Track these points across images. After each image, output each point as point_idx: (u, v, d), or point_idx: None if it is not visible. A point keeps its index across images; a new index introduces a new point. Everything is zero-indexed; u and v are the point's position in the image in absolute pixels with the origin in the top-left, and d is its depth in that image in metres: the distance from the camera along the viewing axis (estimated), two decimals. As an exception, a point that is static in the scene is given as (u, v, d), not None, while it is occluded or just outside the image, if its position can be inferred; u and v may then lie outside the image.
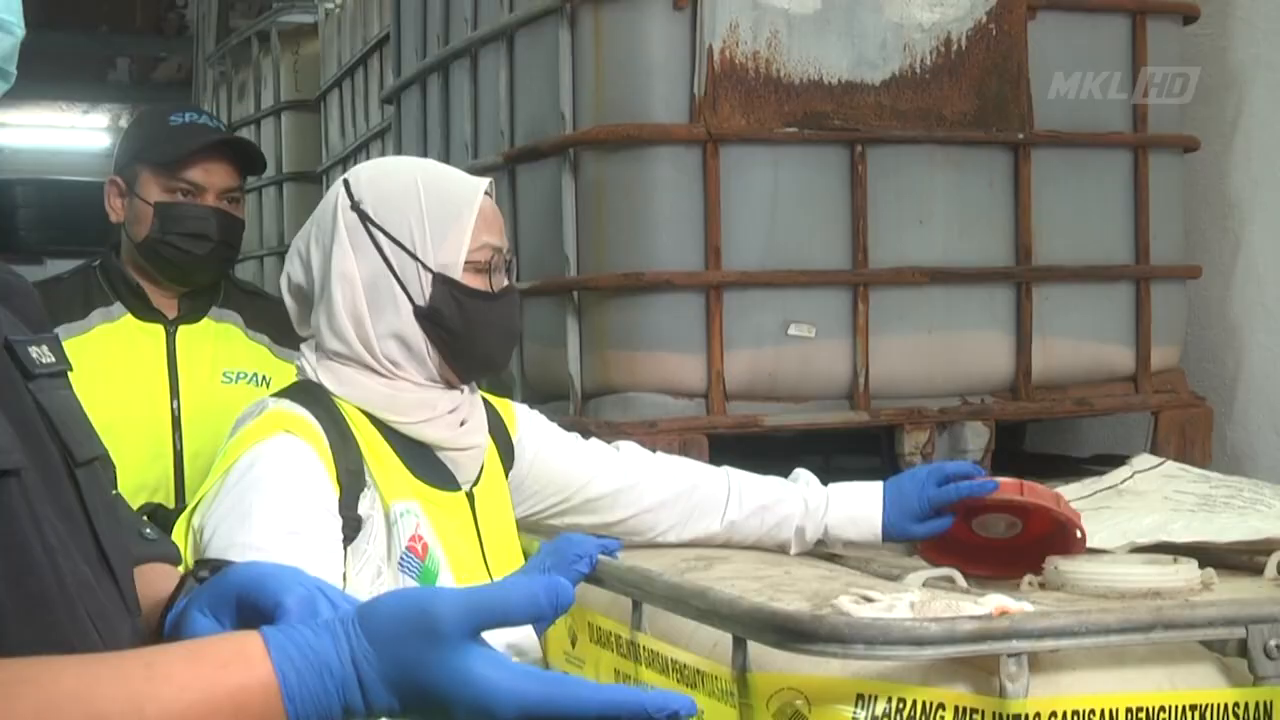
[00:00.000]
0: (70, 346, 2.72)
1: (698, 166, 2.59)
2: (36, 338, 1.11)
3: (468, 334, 1.83)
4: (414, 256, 1.81)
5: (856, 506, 2.12)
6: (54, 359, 1.12)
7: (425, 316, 1.82)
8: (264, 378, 2.67)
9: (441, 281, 1.81)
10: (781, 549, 2.14)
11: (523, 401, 2.22)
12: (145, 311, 2.66)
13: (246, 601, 1.06)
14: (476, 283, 1.83)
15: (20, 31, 1.10)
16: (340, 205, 1.84)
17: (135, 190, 2.63)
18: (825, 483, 2.17)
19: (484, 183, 1.87)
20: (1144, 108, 2.89)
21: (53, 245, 11.10)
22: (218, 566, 1.15)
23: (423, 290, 1.81)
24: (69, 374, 1.15)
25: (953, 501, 2.05)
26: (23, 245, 10.61)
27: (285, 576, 1.06)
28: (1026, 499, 1.99)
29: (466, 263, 1.82)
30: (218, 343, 2.70)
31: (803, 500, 2.13)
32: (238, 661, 0.93)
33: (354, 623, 0.96)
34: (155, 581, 1.23)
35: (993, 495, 2.02)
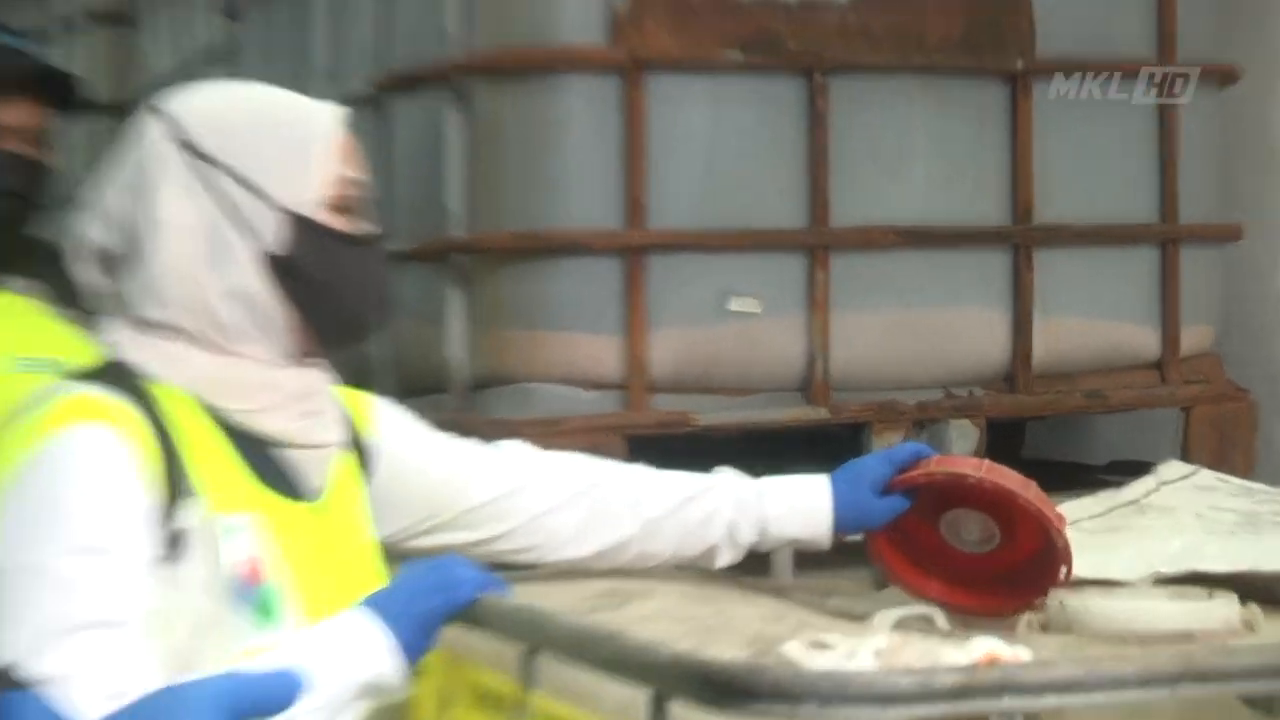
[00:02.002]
0: None
1: (616, 99, 2.62)
2: None
3: (330, 285, 1.84)
4: (260, 194, 1.82)
5: (800, 496, 2.13)
6: None
7: (277, 264, 1.82)
8: None
9: (296, 221, 1.82)
10: (709, 557, 2.14)
11: (388, 393, 2.20)
12: None
13: None
14: (339, 223, 1.85)
15: None
16: (158, 141, 1.84)
17: None
18: None
19: (341, 110, 1.90)
20: (1171, 28, 2.91)
21: None
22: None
23: (273, 233, 1.82)
24: None
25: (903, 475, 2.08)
26: None
27: None
28: (984, 475, 1.97)
29: (326, 199, 1.84)
30: (18, 321, 2.64)
31: (731, 492, 2.14)
32: None
33: None
34: None
35: (941, 466, 2.03)
